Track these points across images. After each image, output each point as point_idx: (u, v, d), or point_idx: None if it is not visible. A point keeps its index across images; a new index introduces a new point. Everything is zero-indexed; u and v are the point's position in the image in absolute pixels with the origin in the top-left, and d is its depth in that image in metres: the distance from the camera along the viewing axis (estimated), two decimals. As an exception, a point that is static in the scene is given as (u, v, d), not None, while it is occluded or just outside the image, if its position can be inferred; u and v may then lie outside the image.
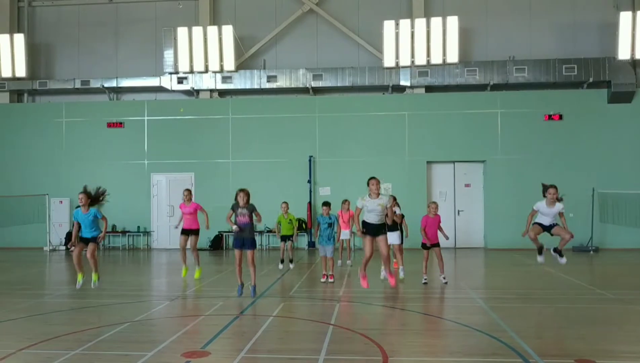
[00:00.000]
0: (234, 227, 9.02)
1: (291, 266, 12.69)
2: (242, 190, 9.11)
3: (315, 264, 14.16)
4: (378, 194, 8.33)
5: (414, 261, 14.01)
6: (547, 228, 8.67)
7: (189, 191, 11.34)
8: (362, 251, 8.79)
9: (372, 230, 8.45)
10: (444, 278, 10.49)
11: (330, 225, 10.94)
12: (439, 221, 10.42)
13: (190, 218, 11.09)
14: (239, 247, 9.10)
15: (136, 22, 19.67)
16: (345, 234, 12.92)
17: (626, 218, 16.27)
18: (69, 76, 19.61)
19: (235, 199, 9.09)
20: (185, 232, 11.11)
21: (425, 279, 10.66)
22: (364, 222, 8.49)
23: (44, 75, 19.94)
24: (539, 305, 8.40)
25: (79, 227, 9.03)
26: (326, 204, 11.29)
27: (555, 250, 8.60)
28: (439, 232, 10.43)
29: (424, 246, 10.45)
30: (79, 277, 9.06)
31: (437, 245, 10.41)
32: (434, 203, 10.50)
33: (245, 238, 9.05)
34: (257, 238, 18.14)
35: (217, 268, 13.82)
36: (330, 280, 10.80)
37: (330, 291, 9.97)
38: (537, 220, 8.80)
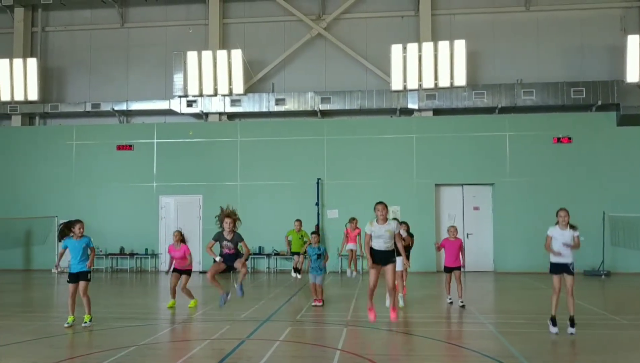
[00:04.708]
0: (218, 258, 8.34)
1: (299, 276, 13.00)
2: (227, 215, 8.28)
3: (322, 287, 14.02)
4: (386, 219, 8.04)
5: (425, 286, 13.89)
6: (564, 268, 8.23)
7: (179, 233, 10.93)
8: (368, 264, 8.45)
9: (381, 258, 8.05)
10: (462, 302, 10.45)
11: (319, 256, 10.87)
12: (460, 245, 10.49)
13: (181, 261, 10.84)
14: (224, 263, 8.39)
15: (147, 46, 19.95)
16: (352, 245, 13.29)
17: (638, 242, 16.06)
18: (80, 100, 19.85)
19: (220, 225, 8.27)
20: (177, 271, 10.81)
21: (449, 298, 10.65)
22: (372, 249, 8.11)
23: (55, 98, 20.20)
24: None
25: (63, 254, 8.89)
26: (315, 233, 11.35)
27: (570, 318, 8.12)
28: (460, 254, 10.50)
29: (445, 269, 10.61)
30: (70, 318, 8.68)
31: (457, 268, 10.52)
32: (453, 226, 10.73)
33: (231, 260, 8.42)
34: (265, 260, 18.17)
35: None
36: (318, 304, 10.74)
37: (337, 315, 9.87)
38: (553, 248, 8.28)
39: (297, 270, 13.11)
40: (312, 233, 11.54)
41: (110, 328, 8.65)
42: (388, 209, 8.17)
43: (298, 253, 13.35)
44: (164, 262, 18.50)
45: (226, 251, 8.37)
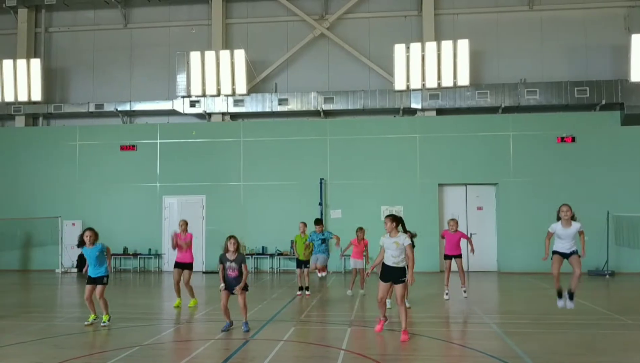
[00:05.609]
0: (222, 286, 8.34)
1: (307, 293, 12.41)
2: (230, 237, 8.40)
3: (326, 287, 14.02)
4: (395, 232, 7.86)
5: (428, 285, 13.86)
6: (567, 256, 8.16)
7: (185, 222, 11.06)
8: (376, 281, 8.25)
9: (390, 276, 7.85)
10: (465, 291, 10.44)
11: (324, 241, 10.91)
12: (460, 237, 10.53)
13: (184, 251, 10.78)
14: (227, 289, 8.40)
15: (150, 46, 19.96)
16: (357, 263, 12.27)
17: (642, 242, 16.01)
18: (83, 100, 19.87)
19: (225, 247, 8.38)
20: (179, 266, 10.83)
21: (446, 293, 10.60)
22: (382, 265, 7.94)
23: (59, 99, 20.22)
24: (555, 331, 8.22)
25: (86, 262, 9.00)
26: (318, 222, 11.37)
27: (568, 291, 8.06)
28: (461, 242, 10.56)
29: (446, 256, 10.65)
30: (91, 317, 8.99)
31: (459, 256, 10.52)
32: (453, 219, 10.70)
33: (235, 285, 8.39)
34: (268, 260, 18.16)
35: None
36: (323, 274, 10.74)
37: (341, 315, 9.85)
38: (555, 246, 8.23)
39: (301, 289, 12.43)
40: (316, 223, 11.43)
41: (114, 328, 8.66)
42: (397, 223, 7.89)
43: (303, 264, 12.34)
44: (167, 262, 18.52)
45: (230, 272, 8.38)
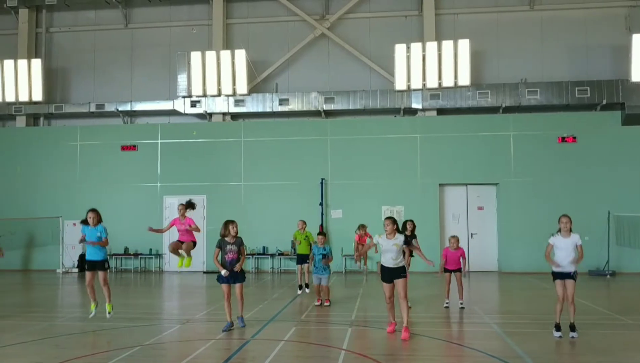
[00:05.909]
0: (224, 272, 8.28)
1: (307, 290, 12.51)
2: (232, 222, 8.39)
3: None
4: (394, 234, 7.94)
5: (429, 286, 13.86)
6: (567, 276, 8.05)
7: (183, 206, 10.55)
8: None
9: (391, 275, 7.95)
10: (462, 303, 10.44)
11: (325, 256, 10.86)
12: (461, 255, 10.43)
13: (186, 234, 10.54)
14: (226, 282, 8.40)
15: (151, 47, 19.97)
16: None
17: (643, 242, 15.99)
18: (84, 100, 19.89)
19: (224, 232, 8.34)
20: (180, 242, 10.60)
21: (446, 303, 10.58)
22: (381, 267, 8.06)
23: (59, 99, 20.24)
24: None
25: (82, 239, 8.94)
26: (321, 234, 11.38)
27: (570, 325, 7.99)
28: (461, 260, 10.47)
29: (445, 270, 10.56)
30: (92, 307, 8.98)
31: (458, 270, 10.49)
32: (454, 237, 10.51)
33: (234, 274, 8.40)
34: (269, 260, 18.18)
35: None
36: (326, 304, 10.75)
37: (342, 315, 9.86)
38: (555, 261, 8.09)
39: (301, 287, 12.60)
40: (319, 234, 11.54)
41: (115, 328, 8.66)
42: (397, 225, 8.01)
43: (303, 259, 12.45)
44: (168, 262, 18.54)
45: (230, 256, 8.39)
